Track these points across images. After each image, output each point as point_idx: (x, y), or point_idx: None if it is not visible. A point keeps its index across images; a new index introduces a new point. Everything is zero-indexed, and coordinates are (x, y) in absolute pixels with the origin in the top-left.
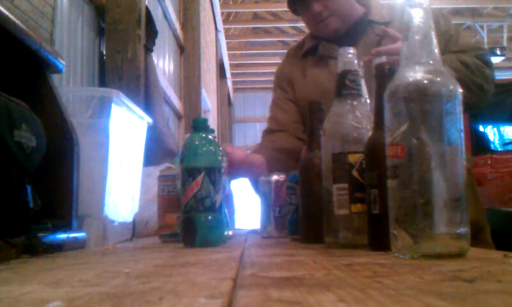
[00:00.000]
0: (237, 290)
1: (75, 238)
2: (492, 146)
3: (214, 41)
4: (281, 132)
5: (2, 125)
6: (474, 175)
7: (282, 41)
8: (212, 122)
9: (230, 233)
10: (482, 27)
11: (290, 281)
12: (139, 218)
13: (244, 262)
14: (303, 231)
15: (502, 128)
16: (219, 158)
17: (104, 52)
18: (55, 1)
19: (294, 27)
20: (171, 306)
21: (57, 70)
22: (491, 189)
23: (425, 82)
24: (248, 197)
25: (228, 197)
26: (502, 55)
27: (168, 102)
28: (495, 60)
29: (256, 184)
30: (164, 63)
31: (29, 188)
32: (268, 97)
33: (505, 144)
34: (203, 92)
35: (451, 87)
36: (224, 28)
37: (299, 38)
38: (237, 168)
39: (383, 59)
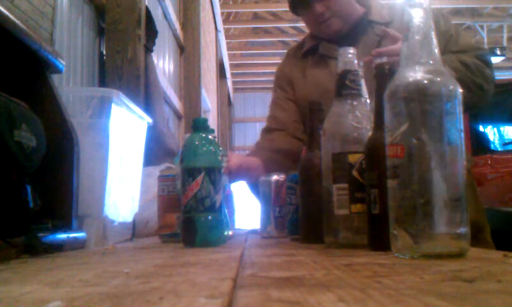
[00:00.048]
0: (237, 290)
1: (75, 238)
2: (492, 146)
3: (214, 41)
4: (280, 131)
5: (2, 125)
6: (474, 175)
7: (282, 41)
8: (212, 122)
9: (230, 233)
10: (482, 27)
11: (290, 281)
12: (139, 218)
13: (244, 262)
14: (303, 231)
15: (502, 128)
16: (219, 158)
17: (104, 52)
18: (55, 1)
19: (294, 27)
20: (171, 306)
21: (57, 70)
22: (491, 189)
23: (425, 82)
24: (248, 198)
25: (228, 198)
26: (502, 55)
27: (168, 102)
28: (495, 60)
29: (254, 187)
30: (164, 63)
31: (29, 189)
32: (268, 97)
33: (505, 144)
34: (203, 92)
35: (451, 87)
36: (224, 28)
37: (299, 38)
38: (234, 173)
39: (384, 59)
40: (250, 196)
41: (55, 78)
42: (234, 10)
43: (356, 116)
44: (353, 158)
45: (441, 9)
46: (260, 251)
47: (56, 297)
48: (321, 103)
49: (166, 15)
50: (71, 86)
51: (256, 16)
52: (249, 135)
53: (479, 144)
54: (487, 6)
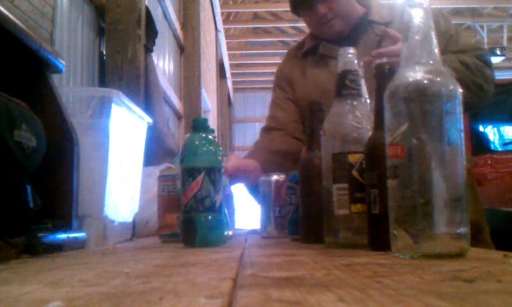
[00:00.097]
0: (237, 290)
1: (75, 238)
2: (492, 146)
3: (214, 41)
4: (279, 131)
5: (2, 125)
6: (474, 175)
7: (282, 41)
8: (212, 122)
9: (230, 233)
10: (482, 27)
11: (290, 281)
12: (139, 218)
13: (244, 262)
14: (303, 231)
15: (502, 128)
16: (219, 158)
17: (104, 52)
18: (55, 1)
19: (294, 27)
20: (171, 306)
21: (57, 70)
22: (491, 189)
23: (425, 82)
24: (247, 198)
25: (228, 198)
26: (502, 55)
27: (168, 102)
28: (495, 60)
29: (252, 189)
30: (164, 63)
31: (29, 189)
32: (268, 97)
33: (505, 144)
34: (203, 92)
35: (451, 87)
36: (224, 28)
37: (299, 38)
38: (231, 176)
39: (384, 60)
40: (249, 198)
41: (55, 78)
42: (234, 10)
43: (356, 116)
44: (353, 158)
45: (441, 9)
46: (260, 251)
47: (56, 297)
48: (321, 103)
49: (166, 15)
50: (71, 86)
51: (256, 16)
52: (249, 135)
53: (479, 144)
54: (487, 6)
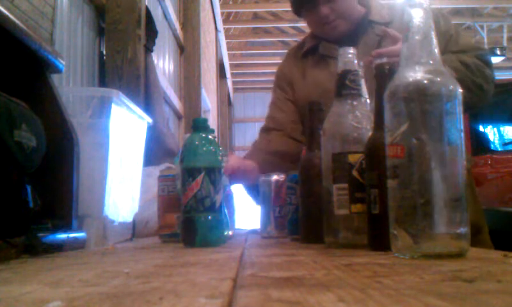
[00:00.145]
0: (237, 290)
1: (75, 238)
2: (492, 146)
3: (214, 41)
4: (278, 132)
5: (2, 125)
6: (474, 175)
7: (282, 41)
8: (212, 122)
9: (230, 233)
10: (482, 27)
11: (290, 281)
12: (139, 218)
13: (244, 262)
14: (303, 231)
15: (502, 128)
16: (219, 158)
17: (104, 52)
18: (55, 1)
19: (294, 27)
20: (171, 306)
21: (57, 70)
22: (491, 189)
23: (425, 82)
24: (247, 198)
25: (228, 198)
26: (502, 55)
27: (168, 102)
28: (495, 60)
29: (251, 190)
30: (164, 63)
31: (29, 189)
32: (268, 97)
33: (505, 144)
34: (203, 92)
35: (451, 87)
36: (224, 28)
37: (299, 38)
38: (231, 176)
39: (384, 60)
40: (248, 198)
41: (55, 78)
42: (234, 10)
43: (356, 116)
44: (353, 158)
45: (441, 9)
46: (260, 251)
47: (56, 297)
48: (321, 103)
49: (166, 15)
50: (71, 86)
51: (256, 16)
52: (249, 135)
53: (479, 144)
54: (487, 6)
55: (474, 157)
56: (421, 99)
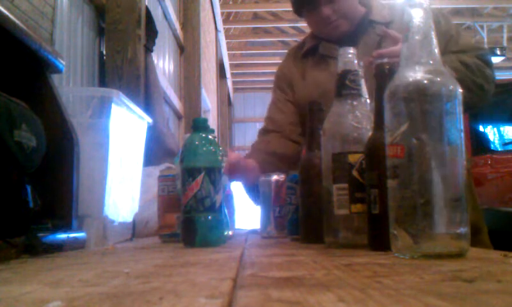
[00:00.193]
0: (237, 290)
1: (75, 238)
2: (492, 146)
3: (214, 41)
4: (277, 134)
5: (2, 125)
6: (474, 175)
7: (282, 41)
8: (212, 122)
9: (230, 233)
10: (482, 27)
11: (290, 281)
12: (139, 218)
13: (244, 262)
14: (303, 231)
15: (502, 128)
16: (219, 158)
17: (104, 52)
18: (55, 1)
19: (294, 27)
20: (171, 306)
21: (57, 70)
22: (491, 189)
23: (425, 82)
24: (246, 198)
25: (228, 197)
26: (502, 55)
27: (168, 102)
28: (495, 60)
29: (249, 189)
30: (164, 63)
31: (29, 189)
32: (268, 97)
33: (505, 144)
34: (203, 92)
35: (451, 87)
36: (224, 28)
37: (299, 38)
38: (231, 171)
39: (384, 60)
40: (246, 199)
41: (55, 78)
42: (234, 10)
43: (356, 116)
44: (353, 158)
45: (441, 9)
46: (260, 251)
47: (56, 297)
48: (321, 103)
49: (166, 15)
50: (71, 86)
51: (256, 16)
52: (249, 135)
53: (479, 144)
54: (487, 6)
55: (474, 157)
56: (421, 99)
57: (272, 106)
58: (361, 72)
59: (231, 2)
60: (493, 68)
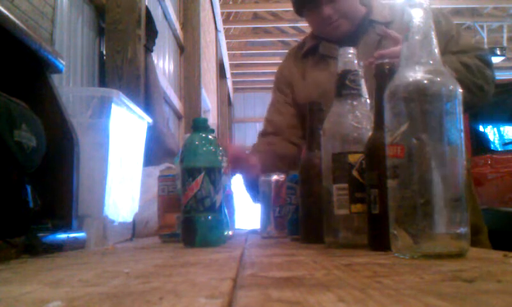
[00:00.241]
0: (237, 290)
1: (75, 238)
2: (492, 146)
3: (214, 41)
4: (276, 136)
5: (2, 125)
6: (474, 175)
7: (282, 41)
8: (212, 122)
9: (230, 233)
10: (482, 27)
11: (290, 281)
12: (139, 218)
13: (244, 262)
14: (303, 231)
15: (502, 128)
16: (219, 158)
17: (104, 52)
18: (55, 1)
19: (294, 27)
20: (171, 306)
21: (57, 70)
22: (491, 189)
23: (425, 82)
24: (245, 195)
25: (228, 197)
26: (502, 55)
27: (168, 102)
28: (495, 60)
29: (249, 187)
30: (164, 63)
31: (29, 189)
32: (268, 97)
33: (505, 144)
34: (203, 92)
35: (451, 87)
36: (224, 28)
37: (299, 38)
38: (234, 161)
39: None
40: (246, 196)
41: (55, 78)
42: (234, 10)
43: (356, 116)
44: (353, 158)
45: (441, 9)
46: (260, 251)
47: (56, 297)
48: (321, 103)
49: (166, 15)
50: (71, 86)
51: (256, 16)
52: (249, 135)
53: (479, 144)
54: (487, 6)
55: (474, 157)
56: (421, 99)
57: (271, 108)
58: (361, 72)
59: (231, 2)
60: (493, 69)
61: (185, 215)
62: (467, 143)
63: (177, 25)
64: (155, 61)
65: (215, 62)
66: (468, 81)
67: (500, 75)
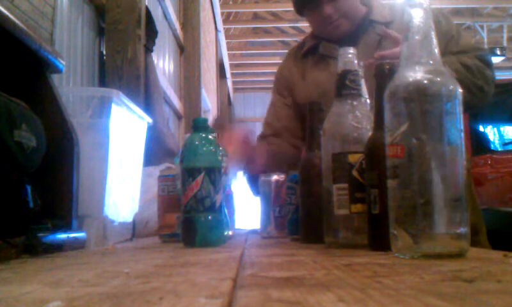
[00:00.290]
0: (237, 290)
1: (75, 238)
2: (492, 146)
3: (214, 41)
4: (275, 138)
5: (2, 125)
6: (474, 175)
7: (282, 41)
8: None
9: (230, 233)
10: (482, 27)
11: (290, 281)
12: (139, 218)
13: (244, 262)
14: (303, 231)
15: (502, 128)
16: (219, 158)
17: (104, 52)
18: (55, 1)
19: (294, 27)
20: (171, 306)
21: (57, 70)
22: (491, 189)
23: (425, 82)
24: (248, 197)
25: (228, 197)
26: (502, 55)
27: (168, 102)
28: (495, 60)
29: (251, 180)
30: (164, 63)
31: (29, 189)
32: (268, 97)
33: (505, 144)
34: (203, 92)
35: (451, 87)
36: (224, 28)
37: (299, 38)
38: (242, 146)
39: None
40: (247, 189)
41: (55, 78)
42: (234, 10)
43: (356, 116)
44: (353, 158)
45: (441, 9)
46: (260, 251)
47: (56, 297)
48: (321, 103)
49: (166, 15)
50: (71, 86)
51: (256, 16)
52: None
53: (479, 144)
54: (487, 6)
55: (474, 157)
56: (421, 99)
57: (270, 110)
58: (361, 72)
59: (231, 2)
60: (493, 69)
61: (185, 215)
62: (467, 143)
63: (177, 25)
64: (155, 61)
65: (215, 62)
66: (468, 82)
67: (500, 75)
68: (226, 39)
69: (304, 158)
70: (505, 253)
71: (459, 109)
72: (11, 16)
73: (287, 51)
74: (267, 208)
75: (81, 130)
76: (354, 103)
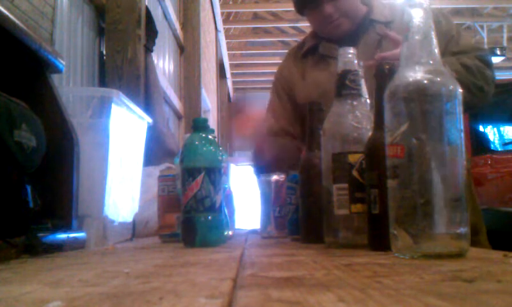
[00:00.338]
0: (237, 290)
1: (75, 238)
2: (492, 146)
3: (214, 41)
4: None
5: (2, 125)
6: (474, 175)
7: (282, 41)
8: (212, 122)
9: (230, 233)
10: (482, 27)
11: (290, 281)
12: (139, 218)
13: (244, 262)
14: (303, 231)
15: (502, 128)
16: (219, 158)
17: (104, 52)
18: (55, 1)
19: (294, 27)
20: (171, 306)
21: (57, 70)
22: (491, 189)
23: (425, 82)
24: (248, 197)
25: (228, 197)
26: (502, 55)
27: (168, 102)
28: (495, 60)
29: (257, 165)
30: (164, 63)
31: (29, 189)
32: (268, 97)
33: (505, 144)
34: (203, 92)
35: (451, 87)
36: (224, 28)
37: (299, 38)
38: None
39: None
40: (252, 171)
41: (55, 78)
42: (234, 10)
43: (356, 116)
44: (353, 158)
45: (441, 9)
46: (260, 251)
47: (56, 297)
48: (321, 103)
49: (166, 15)
50: (71, 86)
51: (256, 16)
52: None
53: (479, 144)
54: (487, 6)
55: (474, 157)
56: (421, 99)
57: (269, 109)
58: (361, 72)
59: (231, 2)
60: (493, 69)
61: (185, 215)
62: (467, 143)
63: (177, 25)
64: (155, 61)
65: (215, 62)
66: (468, 82)
67: (500, 75)
68: (226, 39)
69: (304, 158)
70: (505, 253)
71: (459, 109)
72: (11, 16)
73: (287, 51)
74: (267, 208)
75: (81, 130)
76: (354, 103)
